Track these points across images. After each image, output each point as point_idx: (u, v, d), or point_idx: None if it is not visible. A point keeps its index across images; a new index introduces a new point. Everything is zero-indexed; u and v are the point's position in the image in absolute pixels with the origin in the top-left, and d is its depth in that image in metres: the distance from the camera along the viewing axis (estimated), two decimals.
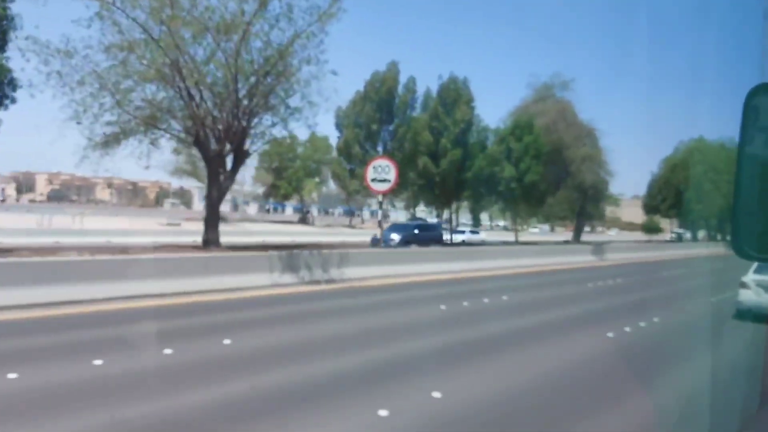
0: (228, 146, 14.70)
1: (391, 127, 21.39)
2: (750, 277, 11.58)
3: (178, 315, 10.25)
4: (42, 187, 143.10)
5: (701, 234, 67.49)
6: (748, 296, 11.52)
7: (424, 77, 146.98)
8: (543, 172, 27.30)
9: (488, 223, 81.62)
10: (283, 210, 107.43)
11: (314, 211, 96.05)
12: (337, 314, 11.34)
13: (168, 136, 14.88)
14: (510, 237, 42.53)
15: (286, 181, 73.78)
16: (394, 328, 9.74)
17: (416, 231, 22.01)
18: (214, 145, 14.59)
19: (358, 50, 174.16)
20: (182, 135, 14.90)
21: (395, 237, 22.12)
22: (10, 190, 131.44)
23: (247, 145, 15.56)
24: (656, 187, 52.90)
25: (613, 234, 71.00)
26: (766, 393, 3.78)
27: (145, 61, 13.06)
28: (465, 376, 6.79)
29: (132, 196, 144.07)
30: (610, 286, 18.76)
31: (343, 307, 12.30)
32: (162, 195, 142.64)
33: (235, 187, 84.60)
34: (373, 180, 18.78)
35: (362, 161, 20.43)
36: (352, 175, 21.67)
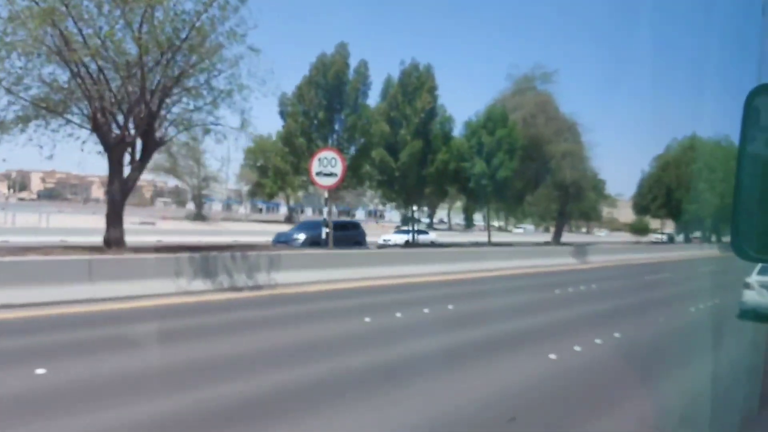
0: (132, 131, 12.85)
1: (342, 116, 19.41)
2: (754, 278, 11.85)
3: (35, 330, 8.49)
4: (37, 186, 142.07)
5: (696, 235, 65.86)
6: (752, 297, 11.83)
7: (388, 64, 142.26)
8: (518, 168, 25.53)
9: (463, 222, 79.65)
10: (277, 209, 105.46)
11: (308, 210, 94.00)
12: (247, 327, 9.63)
13: (67, 121, 13.01)
14: (493, 237, 40.79)
15: (271, 179, 72.01)
16: (309, 346, 8.17)
17: (325, 230, 18.88)
18: (117, 131, 12.74)
19: (311, 31, 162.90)
20: (83, 120, 13.03)
21: (300, 237, 19.50)
22: (2, 188, 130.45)
23: (161, 132, 13.72)
24: (646, 186, 51.12)
25: (602, 235, 69.07)
26: (766, 395, 3.74)
27: (26, 32, 11.22)
28: (373, 411, 5.44)
29: (133, 196, 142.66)
30: (581, 293, 17.02)
31: (256, 319, 10.57)
32: (157, 194, 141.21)
33: (216, 185, 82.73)
34: (318, 174, 16.97)
35: (308, 153, 18.47)
36: (296, 170, 19.74)
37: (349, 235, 18.69)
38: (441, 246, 22.36)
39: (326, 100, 19.30)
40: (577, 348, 8.61)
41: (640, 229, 56.38)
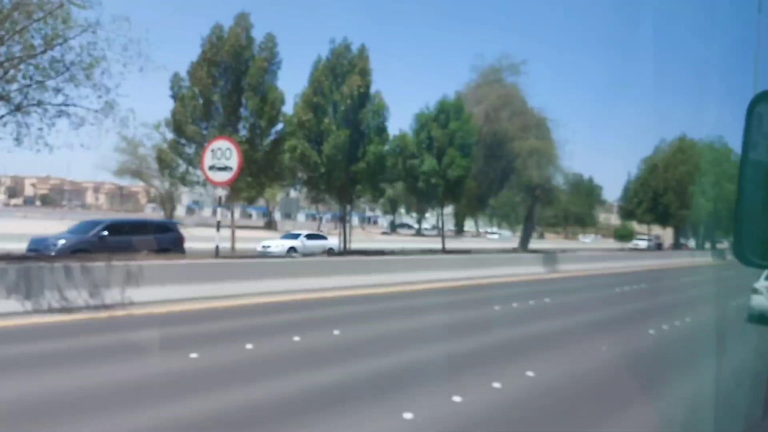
0: None
1: (244, 100, 16.54)
2: (761, 283, 12.40)
3: None
4: (30, 192, 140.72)
5: (686, 242, 63.20)
6: (760, 301, 12.36)
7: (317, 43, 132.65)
8: (481, 167, 22.86)
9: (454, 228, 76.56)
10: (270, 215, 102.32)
11: (301, 216, 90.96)
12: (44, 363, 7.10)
13: None
14: (462, 243, 37.95)
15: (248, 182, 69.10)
16: (130, 387, 6.19)
17: (106, 232, 15.42)
18: None
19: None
20: None
21: (59, 243, 14.87)
22: None
23: None
24: (632, 189, 48.46)
25: (587, 241, 66.18)
26: None
27: None
28: None
29: (123, 200, 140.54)
30: (526, 309, 14.38)
31: (70, 350, 7.96)
32: (151, 199, 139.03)
33: (185, 188, 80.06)
34: (211, 168, 14.33)
35: (202, 143, 15.68)
36: (190, 163, 16.93)
37: (147, 240, 14.77)
38: (364, 254, 19.55)
39: (223, 81, 16.54)
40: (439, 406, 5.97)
41: (624, 235, 53.36)
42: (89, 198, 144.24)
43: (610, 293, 19.78)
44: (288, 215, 72.42)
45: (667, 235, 55.47)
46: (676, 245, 50.91)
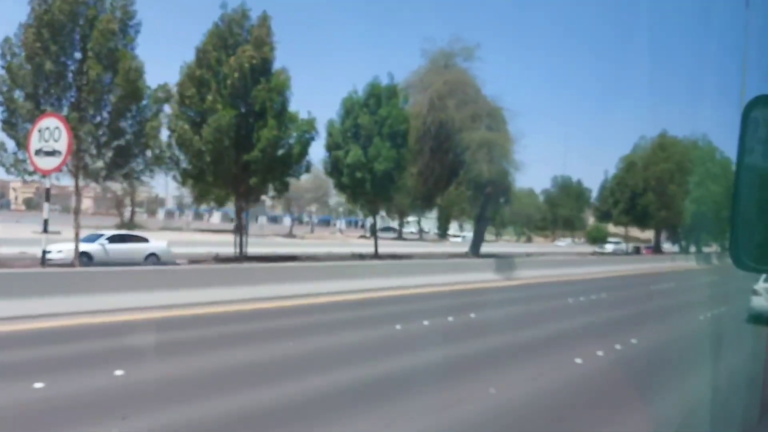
0: None
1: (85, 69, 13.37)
2: (761, 285, 13.21)
3: None
4: (14, 196, 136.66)
5: (669, 245, 60.68)
6: (760, 302, 13.15)
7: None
8: (419, 160, 20.10)
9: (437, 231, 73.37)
10: (256, 219, 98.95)
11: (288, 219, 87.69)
12: None
13: None
14: (417, 248, 34.80)
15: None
16: None
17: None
18: None
19: None
20: None
21: None
22: None
23: None
24: (609, 189, 45.71)
25: (562, 245, 63.34)
26: (766, 404, 3.72)
27: None
28: None
29: (112, 204, 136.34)
30: (438, 328, 11.59)
31: None
32: (138, 204, 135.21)
33: (144, 189, 76.79)
34: (37, 153, 11.45)
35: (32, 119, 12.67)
36: (19, 145, 13.83)
37: None
38: (267, 260, 16.52)
39: (56, 46, 13.38)
40: None
41: (597, 238, 50.36)
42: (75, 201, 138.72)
43: (560, 305, 17.02)
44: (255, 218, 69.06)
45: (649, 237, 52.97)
46: (657, 248, 48.19)
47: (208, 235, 45.81)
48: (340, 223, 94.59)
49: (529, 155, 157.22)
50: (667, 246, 57.67)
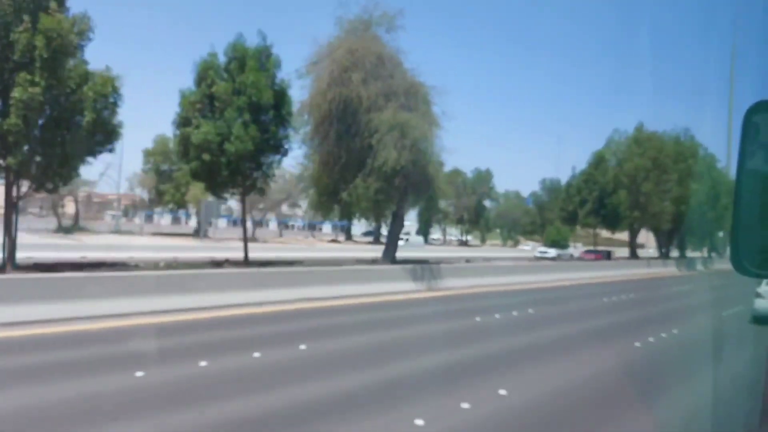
0: None
1: None
2: (763, 288, 14.02)
3: None
4: None
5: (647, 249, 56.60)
6: (762, 304, 14.04)
7: None
8: (276, 137, 15.75)
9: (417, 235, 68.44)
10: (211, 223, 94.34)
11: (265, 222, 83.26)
12: None
13: None
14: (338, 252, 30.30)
15: (173, 185, 62.25)
16: None
17: None
18: None
19: None
20: None
21: None
22: None
23: None
24: (575, 187, 41.51)
25: (527, 248, 59.06)
26: (767, 409, 3.46)
27: None
28: None
29: (99, 209, 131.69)
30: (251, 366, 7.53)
31: None
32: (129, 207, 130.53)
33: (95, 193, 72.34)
34: None
35: None
36: None
37: None
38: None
39: None
40: None
41: (557, 241, 45.91)
42: (66, 206, 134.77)
43: (463, 326, 12.97)
44: (209, 221, 64.68)
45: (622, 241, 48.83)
46: (632, 253, 44.02)
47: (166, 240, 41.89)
48: (323, 227, 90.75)
49: (519, 157, 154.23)
50: (651, 251, 53.74)
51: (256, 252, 32.69)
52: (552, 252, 40.61)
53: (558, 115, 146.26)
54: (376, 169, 18.87)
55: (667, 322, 15.09)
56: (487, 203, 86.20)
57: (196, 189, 67.26)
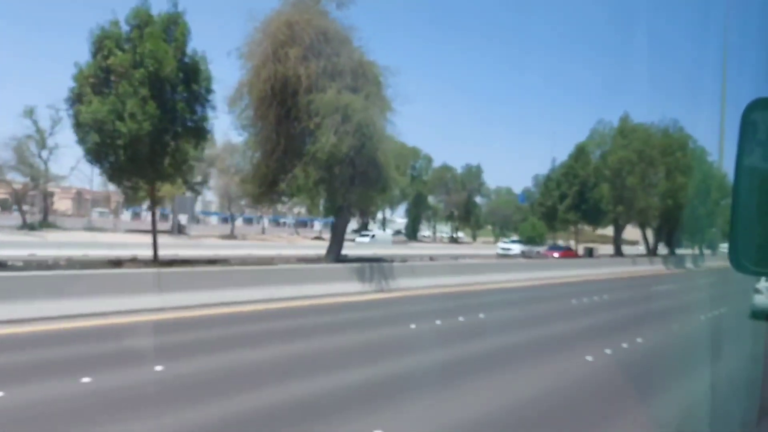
0: None
1: None
2: (763, 284, 14.02)
3: None
4: None
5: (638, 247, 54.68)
6: (761, 300, 14.04)
7: None
8: (183, 115, 13.69)
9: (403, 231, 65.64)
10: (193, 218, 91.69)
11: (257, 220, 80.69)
12: None
13: None
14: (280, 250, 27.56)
15: (146, 180, 59.35)
16: None
17: None
18: None
19: None
20: None
21: None
22: None
23: None
24: (554, 180, 39.52)
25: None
26: (765, 406, 3.70)
27: None
28: None
29: (92, 205, 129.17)
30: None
31: None
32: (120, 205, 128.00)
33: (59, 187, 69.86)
34: None
35: None
36: None
37: None
38: None
39: None
40: None
41: (532, 237, 43.72)
42: (58, 203, 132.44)
43: (391, 335, 11.01)
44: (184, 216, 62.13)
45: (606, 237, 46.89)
46: (617, 251, 42.07)
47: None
48: (315, 224, 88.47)
49: (512, 153, 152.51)
50: (641, 249, 51.85)
51: (215, 250, 30.60)
52: (516, 248, 38.49)
53: (550, 111, 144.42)
54: (316, 156, 16.84)
55: (633, 327, 13.19)
56: (478, 199, 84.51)
57: (168, 184, 64.62)
